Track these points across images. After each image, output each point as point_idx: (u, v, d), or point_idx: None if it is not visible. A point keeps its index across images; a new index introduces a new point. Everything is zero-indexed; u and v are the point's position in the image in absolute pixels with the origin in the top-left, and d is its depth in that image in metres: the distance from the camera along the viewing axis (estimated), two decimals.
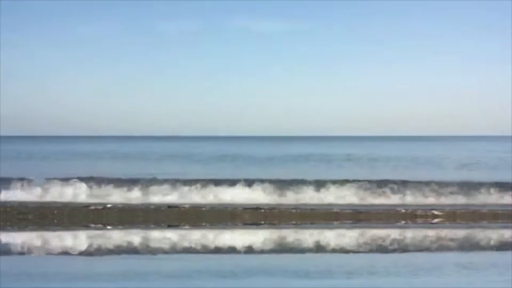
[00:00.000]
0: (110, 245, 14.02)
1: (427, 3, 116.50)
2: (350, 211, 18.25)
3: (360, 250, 13.24)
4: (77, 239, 14.74)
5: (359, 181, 20.53)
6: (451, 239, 14.90)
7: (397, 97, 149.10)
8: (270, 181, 20.62)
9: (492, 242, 14.59)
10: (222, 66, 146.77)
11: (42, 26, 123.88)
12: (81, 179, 20.32)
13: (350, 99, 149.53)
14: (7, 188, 19.68)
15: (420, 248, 13.53)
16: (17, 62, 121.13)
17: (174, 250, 13.34)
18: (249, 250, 13.27)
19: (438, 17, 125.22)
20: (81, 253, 12.60)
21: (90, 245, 13.86)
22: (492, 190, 20.22)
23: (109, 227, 16.50)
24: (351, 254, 12.62)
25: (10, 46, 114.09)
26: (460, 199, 19.79)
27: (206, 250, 13.19)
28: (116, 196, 19.65)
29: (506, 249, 13.35)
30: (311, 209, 18.38)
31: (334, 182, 20.51)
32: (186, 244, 14.17)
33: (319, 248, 13.41)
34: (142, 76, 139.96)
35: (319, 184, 20.42)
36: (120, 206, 18.48)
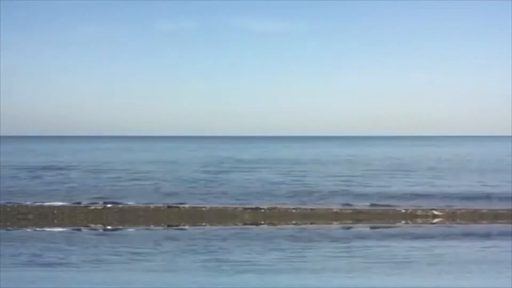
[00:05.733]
0: None
1: (428, 3, 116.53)
2: (350, 211, 18.24)
3: None
4: None
5: None
6: None
7: (397, 97, 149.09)
8: None
9: None
10: (222, 66, 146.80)
11: (43, 26, 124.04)
12: None
13: (350, 99, 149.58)
14: None
15: None
16: (17, 62, 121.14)
17: None
18: None
19: (438, 17, 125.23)
20: None
21: None
22: None
23: (109, 227, 16.49)
24: None
25: (10, 46, 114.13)
26: None
27: None
28: None
29: None
30: (311, 209, 18.37)
31: None
32: None
33: None
34: (142, 76, 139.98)
35: None
36: (120, 206, 18.48)
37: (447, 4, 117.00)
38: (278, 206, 18.73)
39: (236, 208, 18.46)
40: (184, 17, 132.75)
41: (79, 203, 18.92)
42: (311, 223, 17.05)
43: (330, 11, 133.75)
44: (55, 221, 17.23)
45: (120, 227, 16.52)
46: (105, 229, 16.16)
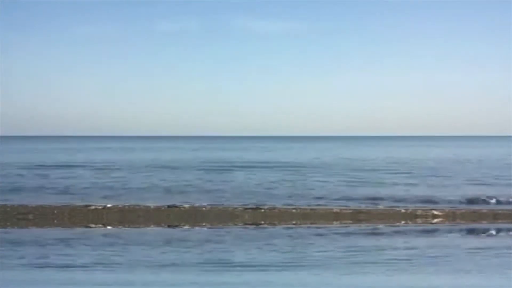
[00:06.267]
0: None
1: (427, 3, 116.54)
2: (350, 211, 18.26)
3: None
4: None
5: None
6: None
7: (397, 97, 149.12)
8: None
9: None
10: (222, 66, 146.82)
11: (42, 26, 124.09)
12: None
13: (350, 99, 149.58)
14: None
15: None
16: (17, 62, 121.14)
17: None
18: None
19: (438, 17, 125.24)
20: None
21: None
22: None
23: (109, 227, 16.51)
24: None
25: (10, 46, 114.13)
26: None
27: None
28: None
29: None
30: (311, 209, 18.39)
31: None
32: None
33: None
34: (142, 76, 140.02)
35: None
36: (120, 206, 18.49)
37: (447, 4, 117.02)
38: (278, 206, 18.76)
39: (236, 208, 18.49)
40: (184, 17, 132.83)
41: (79, 203, 18.93)
42: (311, 223, 17.06)
43: (330, 11, 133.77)
44: (55, 221, 17.24)
45: (120, 227, 16.55)
46: (105, 229, 16.19)
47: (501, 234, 15.60)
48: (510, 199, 19.85)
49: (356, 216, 17.81)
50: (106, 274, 10.60)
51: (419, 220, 17.51)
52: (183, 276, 10.54)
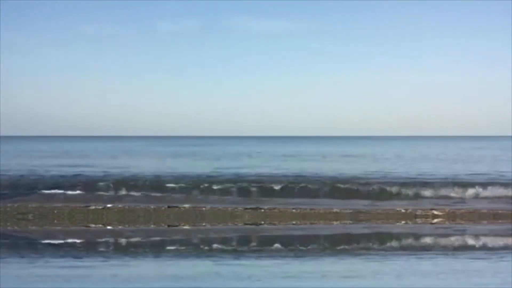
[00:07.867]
0: None
1: (426, 3, 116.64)
2: (350, 211, 18.28)
3: None
4: None
5: None
6: None
7: (397, 97, 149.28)
8: None
9: None
10: (222, 66, 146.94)
11: (43, 25, 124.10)
12: None
13: (350, 99, 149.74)
14: None
15: None
16: (17, 62, 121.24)
17: None
18: None
19: (437, 16, 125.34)
20: None
21: None
22: None
23: (109, 227, 16.53)
24: None
25: (10, 46, 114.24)
26: None
27: None
28: None
29: None
30: (311, 209, 18.41)
31: None
32: None
33: None
34: (142, 76, 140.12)
35: None
36: (120, 206, 18.50)
37: (448, 4, 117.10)
38: (278, 206, 18.77)
39: (236, 208, 18.51)
40: (184, 17, 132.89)
41: (79, 203, 18.94)
42: (311, 223, 17.09)
43: (330, 11, 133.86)
44: (55, 221, 17.27)
45: (120, 227, 16.56)
46: (105, 229, 16.20)
47: (501, 234, 15.60)
48: (510, 199, 19.86)
49: (356, 216, 17.83)
50: (106, 273, 10.62)
51: (419, 220, 17.54)
52: (183, 276, 10.55)
